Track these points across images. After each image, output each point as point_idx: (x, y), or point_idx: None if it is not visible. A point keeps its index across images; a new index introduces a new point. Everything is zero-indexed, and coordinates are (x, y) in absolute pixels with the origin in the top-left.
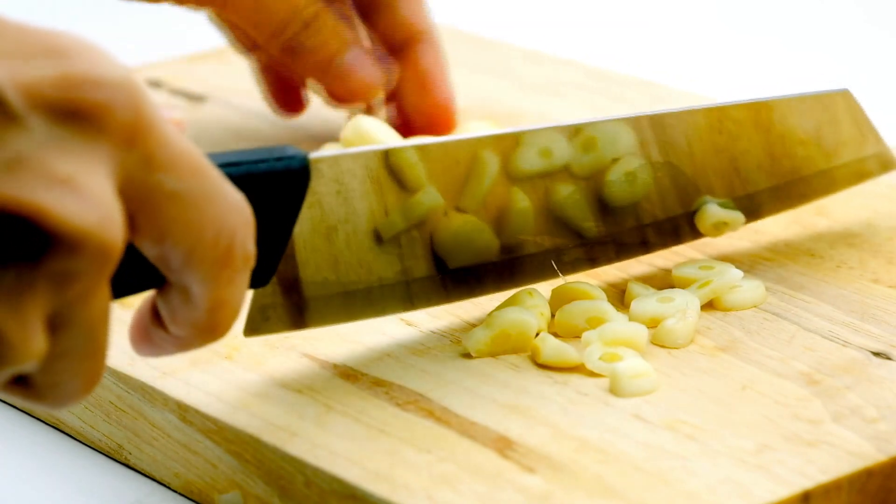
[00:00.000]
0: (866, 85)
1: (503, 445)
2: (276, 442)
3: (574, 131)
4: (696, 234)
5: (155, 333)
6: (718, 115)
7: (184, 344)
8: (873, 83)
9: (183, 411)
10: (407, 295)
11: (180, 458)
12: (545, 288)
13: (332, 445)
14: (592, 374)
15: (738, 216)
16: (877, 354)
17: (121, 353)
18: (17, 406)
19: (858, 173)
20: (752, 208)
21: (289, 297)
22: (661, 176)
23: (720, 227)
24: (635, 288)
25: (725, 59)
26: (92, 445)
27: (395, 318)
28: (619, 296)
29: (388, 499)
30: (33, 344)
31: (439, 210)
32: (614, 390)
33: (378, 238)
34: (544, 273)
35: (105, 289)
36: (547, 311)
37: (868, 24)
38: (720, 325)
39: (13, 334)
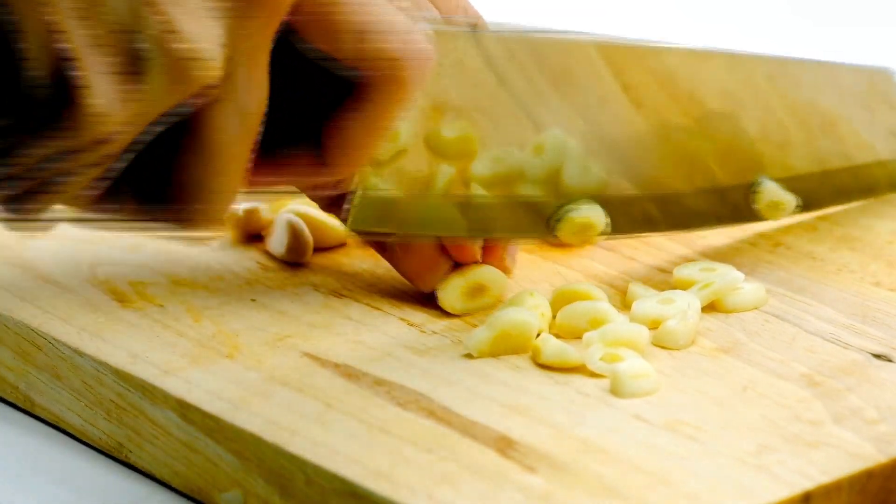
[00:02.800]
0: None
1: (504, 445)
2: (276, 440)
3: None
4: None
5: None
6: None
7: None
8: None
9: (184, 410)
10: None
11: (181, 457)
12: (546, 289)
13: (333, 444)
14: (593, 375)
15: (793, 200)
16: (877, 356)
17: (121, 351)
18: (18, 404)
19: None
20: (803, 196)
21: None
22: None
23: (777, 207)
24: (636, 289)
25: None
26: (92, 444)
27: (395, 319)
28: (621, 297)
29: (389, 497)
30: (213, 53)
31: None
32: (615, 391)
33: None
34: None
35: (269, 44)
36: (548, 312)
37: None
38: (721, 326)
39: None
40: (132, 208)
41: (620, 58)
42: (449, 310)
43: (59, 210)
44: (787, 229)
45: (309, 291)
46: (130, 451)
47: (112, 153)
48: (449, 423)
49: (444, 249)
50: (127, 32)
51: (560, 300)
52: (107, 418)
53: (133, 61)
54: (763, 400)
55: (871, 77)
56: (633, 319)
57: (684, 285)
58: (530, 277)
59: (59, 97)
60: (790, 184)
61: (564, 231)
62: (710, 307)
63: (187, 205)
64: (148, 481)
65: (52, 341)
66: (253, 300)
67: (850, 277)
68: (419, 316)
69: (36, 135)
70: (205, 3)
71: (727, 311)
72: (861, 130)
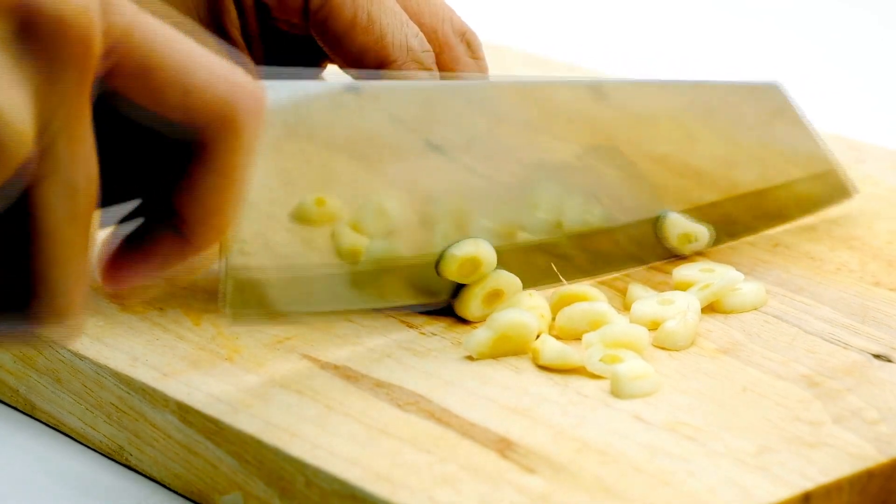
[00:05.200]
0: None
1: (504, 446)
2: (276, 443)
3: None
4: (665, 250)
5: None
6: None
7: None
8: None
9: (184, 412)
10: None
11: (181, 460)
12: (546, 290)
13: (333, 446)
14: (593, 376)
15: (703, 229)
16: (877, 357)
17: (121, 354)
18: (19, 407)
19: (810, 199)
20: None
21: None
22: (619, 169)
23: (687, 240)
24: (636, 290)
25: (726, 59)
26: (93, 447)
27: (395, 320)
28: (620, 298)
29: (389, 499)
30: (25, 121)
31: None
32: (615, 392)
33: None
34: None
35: (87, 109)
36: (548, 313)
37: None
38: (721, 327)
39: (6, 106)
40: None
41: (510, 95)
42: (469, 318)
43: None
44: (786, 229)
45: None
46: (131, 454)
47: None
48: (448, 425)
49: None
50: None
51: (560, 301)
52: (107, 421)
53: None
54: (763, 400)
55: (762, 94)
56: (632, 320)
57: (684, 286)
58: None
59: None
60: (698, 213)
61: (448, 269)
62: (709, 308)
63: (30, 305)
64: (148, 483)
65: (52, 345)
66: None
67: (850, 277)
68: (419, 318)
69: None
70: (5, 67)
71: (727, 312)
72: (765, 151)
